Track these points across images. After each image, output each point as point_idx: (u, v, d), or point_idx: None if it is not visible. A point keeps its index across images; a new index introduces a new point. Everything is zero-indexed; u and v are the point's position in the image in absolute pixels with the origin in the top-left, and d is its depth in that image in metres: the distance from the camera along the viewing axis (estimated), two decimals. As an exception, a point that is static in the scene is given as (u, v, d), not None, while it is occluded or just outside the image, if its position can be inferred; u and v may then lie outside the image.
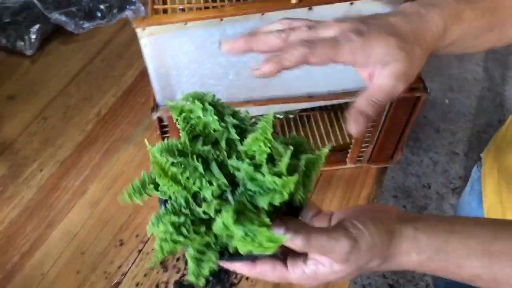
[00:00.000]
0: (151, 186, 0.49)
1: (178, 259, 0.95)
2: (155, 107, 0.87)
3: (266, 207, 0.41)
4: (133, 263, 0.95)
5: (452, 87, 2.77)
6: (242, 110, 0.50)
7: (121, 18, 1.32)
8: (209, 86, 0.85)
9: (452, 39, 0.52)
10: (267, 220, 0.41)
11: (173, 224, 0.43)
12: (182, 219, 0.43)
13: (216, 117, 0.46)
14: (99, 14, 1.31)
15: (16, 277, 0.92)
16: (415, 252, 0.45)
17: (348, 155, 1.07)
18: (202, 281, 0.45)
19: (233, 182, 0.45)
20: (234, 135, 0.46)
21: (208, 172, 0.44)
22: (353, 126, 0.48)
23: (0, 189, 1.04)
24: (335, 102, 0.98)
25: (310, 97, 0.90)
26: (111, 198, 1.03)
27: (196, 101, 0.47)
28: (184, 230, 0.42)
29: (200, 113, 0.47)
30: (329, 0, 0.71)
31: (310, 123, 1.16)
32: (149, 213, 1.00)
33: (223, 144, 0.46)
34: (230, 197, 0.44)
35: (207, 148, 0.45)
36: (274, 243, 0.39)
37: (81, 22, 1.28)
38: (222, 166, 0.45)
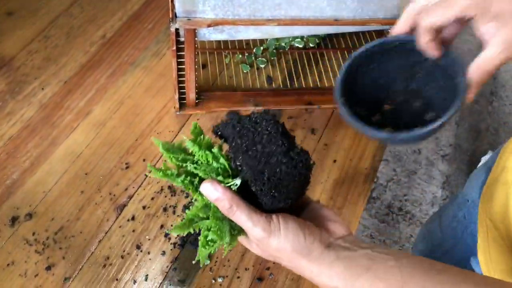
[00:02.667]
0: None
1: (187, 185, 0.91)
2: (174, 17, 0.82)
3: None
4: (140, 186, 0.91)
5: (447, 57, 2.77)
6: None
7: None
8: (234, -2, 0.81)
9: None
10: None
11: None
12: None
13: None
14: None
15: (17, 193, 0.88)
16: (325, 277, 0.47)
17: (363, 92, 1.05)
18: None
19: None
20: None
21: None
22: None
23: (-1, 105, 0.98)
24: (360, 29, 0.94)
25: (336, 20, 0.86)
26: (117, 121, 0.98)
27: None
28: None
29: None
30: None
31: (324, 61, 1.13)
32: (156, 138, 0.97)
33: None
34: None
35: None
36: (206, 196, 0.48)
37: None
38: None
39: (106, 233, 0.85)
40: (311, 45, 1.10)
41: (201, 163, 0.50)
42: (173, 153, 0.51)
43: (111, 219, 0.86)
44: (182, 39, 0.87)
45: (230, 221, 0.49)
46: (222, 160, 0.49)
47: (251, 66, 1.09)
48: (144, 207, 0.88)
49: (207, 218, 0.50)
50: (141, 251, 0.83)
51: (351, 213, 0.90)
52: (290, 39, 1.09)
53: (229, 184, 0.48)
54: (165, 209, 0.88)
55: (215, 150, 0.49)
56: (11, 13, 1.12)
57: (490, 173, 0.80)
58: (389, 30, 0.89)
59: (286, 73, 1.09)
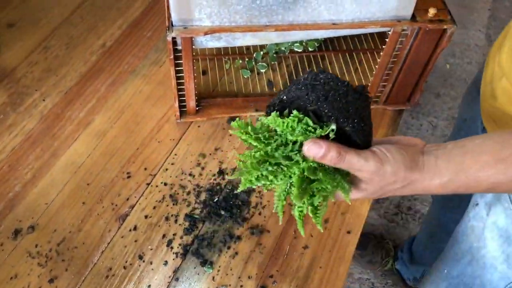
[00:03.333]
0: None
1: (188, 193, 0.91)
2: (170, 26, 0.82)
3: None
4: (141, 195, 0.91)
5: (454, 53, 2.73)
6: None
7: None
8: (230, 5, 0.80)
9: None
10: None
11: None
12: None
13: None
14: None
15: (19, 205, 0.88)
16: (437, 177, 0.52)
17: (365, 94, 1.04)
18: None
19: None
20: None
21: None
22: None
23: (1, 117, 0.98)
24: (359, 32, 0.93)
25: (334, 24, 0.85)
26: (118, 130, 0.98)
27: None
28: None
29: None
30: None
31: (325, 64, 1.12)
32: (157, 147, 0.97)
33: None
34: None
35: None
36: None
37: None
38: None
39: (108, 243, 0.85)
40: (310, 49, 1.09)
41: (285, 133, 0.52)
42: (259, 134, 0.53)
43: (113, 229, 0.86)
44: (179, 47, 0.86)
45: (339, 172, 0.53)
46: (305, 119, 0.51)
47: (252, 71, 1.08)
48: (146, 217, 0.88)
49: (315, 181, 0.52)
50: (143, 261, 0.83)
51: (355, 217, 0.89)
52: (290, 44, 1.08)
53: (326, 133, 0.51)
54: (167, 218, 0.88)
55: (294, 112, 0.51)
56: (11, 25, 1.13)
57: (483, 76, 0.81)
58: (389, 33, 0.88)
59: (286, 77, 1.08)
